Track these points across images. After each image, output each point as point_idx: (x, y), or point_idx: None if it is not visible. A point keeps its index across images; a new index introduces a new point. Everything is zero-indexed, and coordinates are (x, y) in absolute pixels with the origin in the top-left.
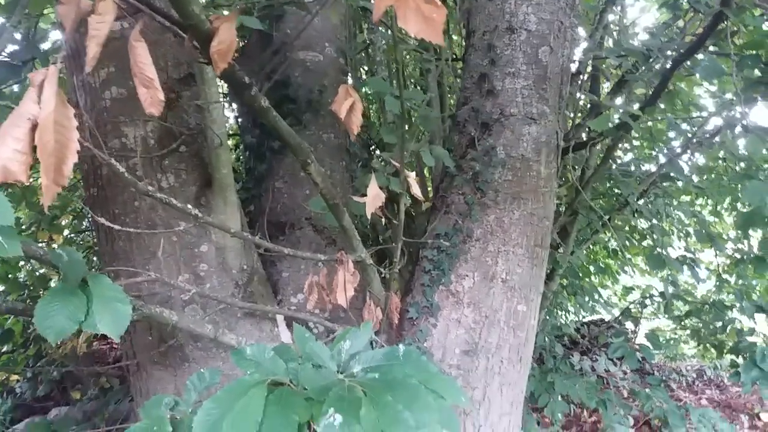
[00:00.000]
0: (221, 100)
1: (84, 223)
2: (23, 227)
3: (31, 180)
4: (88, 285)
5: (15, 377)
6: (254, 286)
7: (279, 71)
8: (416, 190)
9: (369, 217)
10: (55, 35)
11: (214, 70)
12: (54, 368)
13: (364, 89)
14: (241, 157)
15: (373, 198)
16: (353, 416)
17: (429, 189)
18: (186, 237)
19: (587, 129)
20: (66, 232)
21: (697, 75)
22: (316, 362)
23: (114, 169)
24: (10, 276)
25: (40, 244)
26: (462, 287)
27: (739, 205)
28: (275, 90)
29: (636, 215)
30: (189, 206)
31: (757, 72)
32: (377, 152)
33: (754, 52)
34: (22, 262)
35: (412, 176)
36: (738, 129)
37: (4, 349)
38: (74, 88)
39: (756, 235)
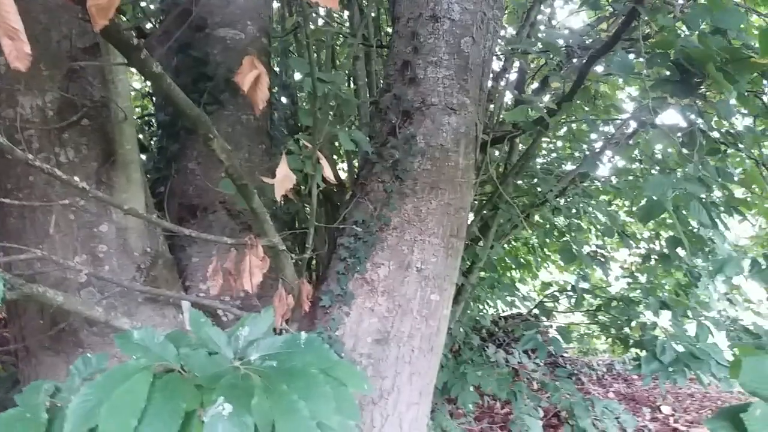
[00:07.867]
0: (126, 71)
1: None
2: None
3: None
4: None
5: None
6: (158, 270)
7: (196, 48)
8: (329, 173)
9: (279, 199)
10: None
11: (93, 27)
12: None
13: (296, 76)
14: (154, 137)
15: (282, 179)
16: (244, 406)
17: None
18: (84, 215)
19: (511, 125)
20: None
21: (611, 72)
22: (211, 348)
23: None
24: None
25: None
26: (377, 275)
27: None
28: (193, 67)
29: (555, 213)
30: (76, 178)
31: (666, 71)
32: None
33: (663, 51)
34: None
35: (323, 159)
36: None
37: None
38: None
39: (667, 235)
